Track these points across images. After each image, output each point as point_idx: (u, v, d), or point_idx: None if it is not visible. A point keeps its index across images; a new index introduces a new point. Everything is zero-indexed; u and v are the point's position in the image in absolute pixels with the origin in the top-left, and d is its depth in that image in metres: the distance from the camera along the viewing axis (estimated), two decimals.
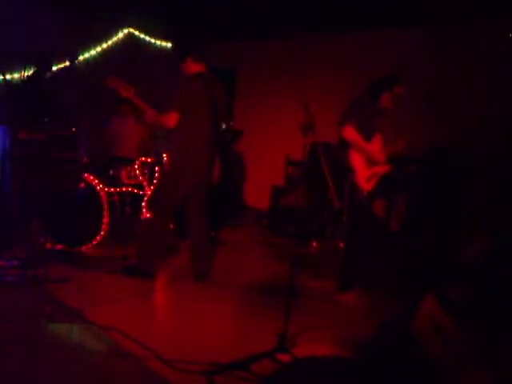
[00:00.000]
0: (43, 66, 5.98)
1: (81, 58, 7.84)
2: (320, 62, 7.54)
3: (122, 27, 8.33)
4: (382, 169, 4.38)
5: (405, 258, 4.90)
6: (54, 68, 6.41)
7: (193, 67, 4.45)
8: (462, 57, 6.19)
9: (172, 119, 4.27)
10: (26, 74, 6.74)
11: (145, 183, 5.77)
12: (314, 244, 6.45)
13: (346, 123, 4.22)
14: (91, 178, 5.28)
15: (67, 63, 6.03)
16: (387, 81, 4.34)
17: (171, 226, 5.49)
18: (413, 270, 4.69)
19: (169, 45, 9.00)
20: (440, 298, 2.63)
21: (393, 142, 4.50)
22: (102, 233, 5.18)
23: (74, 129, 5.23)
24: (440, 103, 5.75)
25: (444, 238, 5.03)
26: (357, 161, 4.30)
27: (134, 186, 5.74)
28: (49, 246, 4.97)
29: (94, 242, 5.18)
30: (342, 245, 5.81)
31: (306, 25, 7.08)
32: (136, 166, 5.74)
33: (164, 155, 5.82)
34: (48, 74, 6.02)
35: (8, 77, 6.83)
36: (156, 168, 5.85)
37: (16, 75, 6.95)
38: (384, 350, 2.68)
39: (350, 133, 4.22)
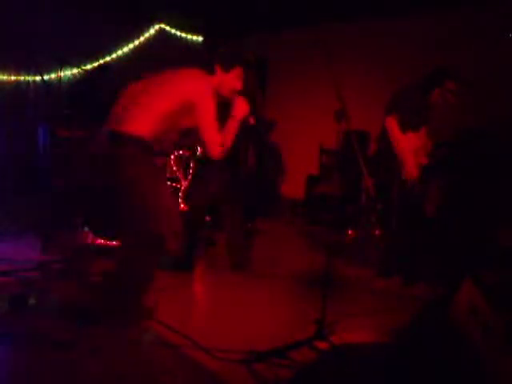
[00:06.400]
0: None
1: (114, 55, 7.97)
2: (353, 48, 7.47)
3: (153, 23, 8.42)
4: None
5: (442, 243, 4.84)
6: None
7: None
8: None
9: None
10: (62, 73, 6.90)
11: (180, 176, 5.84)
12: (350, 232, 6.44)
13: (388, 114, 4.36)
14: None
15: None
16: (438, 76, 4.33)
17: (207, 218, 5.56)
18: (451, 255, 4.64)
19: (200, 38, 9.04)
20: (478, 284, 2.61)
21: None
22: None
23: None
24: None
25: (482, 223, 4.95)
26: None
27: (170, 180, 5.83)
28: (89, 241, 5.10)
29: None
30: (377, 232, 5.81)
31: (335, 12, 7.05)
32: (172, 160, 5.83)
33: (198, 148, 5.88)
34: (91, 75, 6.12)
35: (46, 77, 7.03)
36: (191, 161, 5.91)
37: (53, 75, 7.13)
38: (422, 336, 2.68)
39: (390, 124, 4.35)
